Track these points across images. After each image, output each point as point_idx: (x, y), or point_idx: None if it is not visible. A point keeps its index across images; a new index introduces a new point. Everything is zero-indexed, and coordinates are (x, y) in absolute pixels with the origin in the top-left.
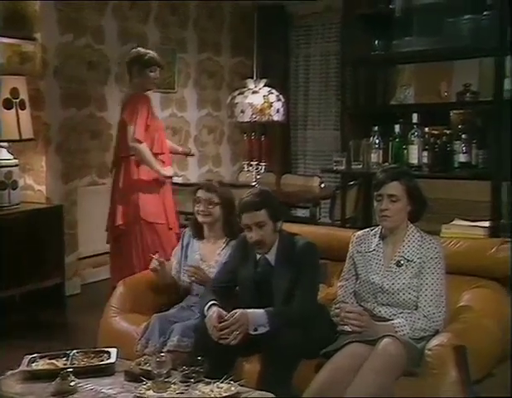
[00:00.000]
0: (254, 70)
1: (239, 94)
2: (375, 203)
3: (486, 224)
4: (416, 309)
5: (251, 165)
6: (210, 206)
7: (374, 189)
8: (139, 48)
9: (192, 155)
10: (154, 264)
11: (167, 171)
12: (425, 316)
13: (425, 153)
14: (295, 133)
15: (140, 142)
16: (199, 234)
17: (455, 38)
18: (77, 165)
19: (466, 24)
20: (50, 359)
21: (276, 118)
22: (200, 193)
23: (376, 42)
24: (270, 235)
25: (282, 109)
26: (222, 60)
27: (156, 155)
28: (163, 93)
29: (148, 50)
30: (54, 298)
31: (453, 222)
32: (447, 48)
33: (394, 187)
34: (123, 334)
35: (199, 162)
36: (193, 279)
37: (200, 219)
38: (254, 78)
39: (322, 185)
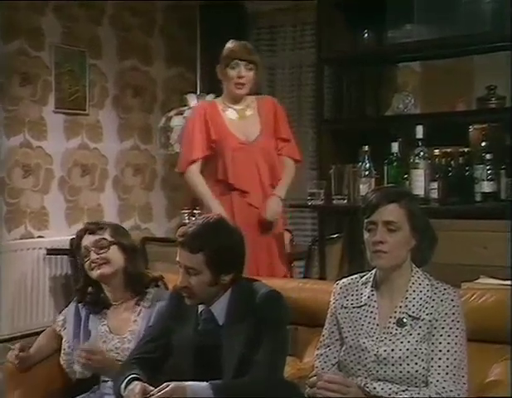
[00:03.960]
0: (198, 84)
1: (176, 115)
2: (366, 234)
3: None
4: (426, 385)
5: (195, 216)
6: (103, 250)
7: (365, 215)
8: (231, 41)
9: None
10: (11, 357)
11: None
12: (438, 393)
13: (434, 184)
14: None
15: (189, 163)
16: (98, 304)
17: (474, 24)
18: None
19: (490, 3)
20: None
21: None
22: (86, 240)
23: (365, 33)
24: (202, 286)
25: None
26: (153, 71)
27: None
28: (68, 114)
29: (237, 41)
30: None
31: (478, 281)
32: (464, 38)
33: (392, 211)
34: None
35: (120, 214)
36: (88, 366)
37: (95, 274)
38: (198, 93)
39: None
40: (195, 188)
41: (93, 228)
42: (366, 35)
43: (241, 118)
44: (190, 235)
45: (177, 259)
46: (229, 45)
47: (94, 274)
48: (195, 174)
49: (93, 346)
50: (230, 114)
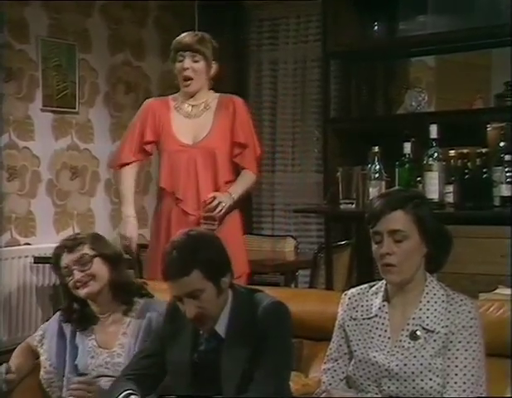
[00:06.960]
0: None
1: None
2: (374, 246)
3: None
4: None
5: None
6: (87, 267)
7: (370, 224)
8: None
9: None
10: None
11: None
12: None
13: (449, 188)
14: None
15: (120, 165)
16: (85, 321)
17: (492, 16)
18: None
19: None
20: None
21: None
22: (65, 258)
23: (375, 25)
24: (213, 301)
25: None
26: (147, 66)
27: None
28: (57, 113)
29: (187, 32)
30: None
31: (496, 291)
32: (481, 30)
33: (398, 220)
34: None
35: (112, 219)
36: None
37: (82, 293)
38: None
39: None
40: (119, 188)
41: (71, 244)
42: (376, 27)
43: (192, 116)
44: (174, 262)
45: (174, 293)
46: (180, 36)
47: (81, 293)
48: (124, 176)
49: (88, 378)
50: (181, 112)
